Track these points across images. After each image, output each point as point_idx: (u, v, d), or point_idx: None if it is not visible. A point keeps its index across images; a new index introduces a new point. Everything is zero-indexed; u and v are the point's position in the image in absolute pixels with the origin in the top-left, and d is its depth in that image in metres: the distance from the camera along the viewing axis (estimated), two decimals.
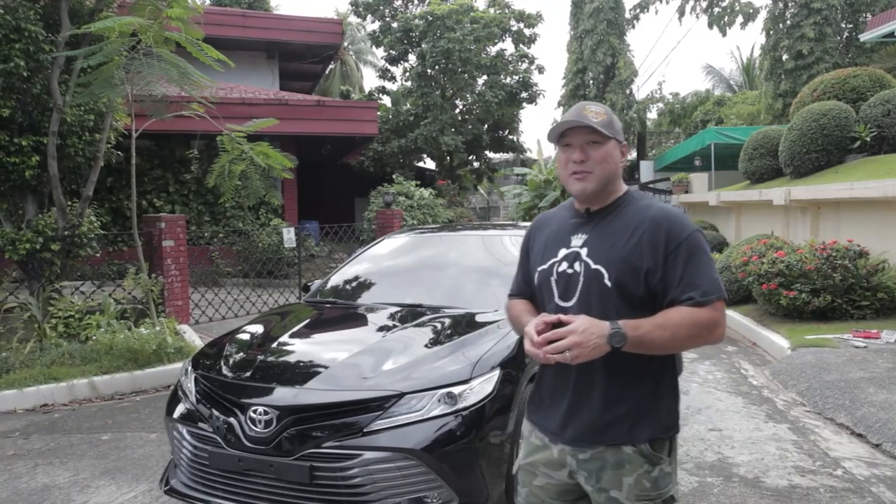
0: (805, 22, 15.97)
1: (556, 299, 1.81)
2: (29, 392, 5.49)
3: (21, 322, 6.60)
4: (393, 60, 19.63)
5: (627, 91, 20.59)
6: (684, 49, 63.10)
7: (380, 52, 20.75)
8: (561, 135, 1.81)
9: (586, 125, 1.75)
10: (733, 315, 8.38)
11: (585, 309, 1.72)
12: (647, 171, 19.94)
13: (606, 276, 1.73)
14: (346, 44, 27.21)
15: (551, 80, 64.71)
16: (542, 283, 1.86)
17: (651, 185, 17.36)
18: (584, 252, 1.78)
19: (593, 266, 1.75)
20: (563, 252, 1.83)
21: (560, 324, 1.64)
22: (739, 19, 18.23)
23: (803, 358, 5.94)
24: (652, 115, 25.36)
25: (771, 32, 17.00)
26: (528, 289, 1.99)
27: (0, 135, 6.68)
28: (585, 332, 1.60)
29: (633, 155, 23.39)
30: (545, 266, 1.86)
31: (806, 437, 4.40)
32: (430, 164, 21.92)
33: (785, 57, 16.61)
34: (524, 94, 19.52)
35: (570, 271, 1.79)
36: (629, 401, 1.75)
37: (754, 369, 6.29)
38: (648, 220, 1.75)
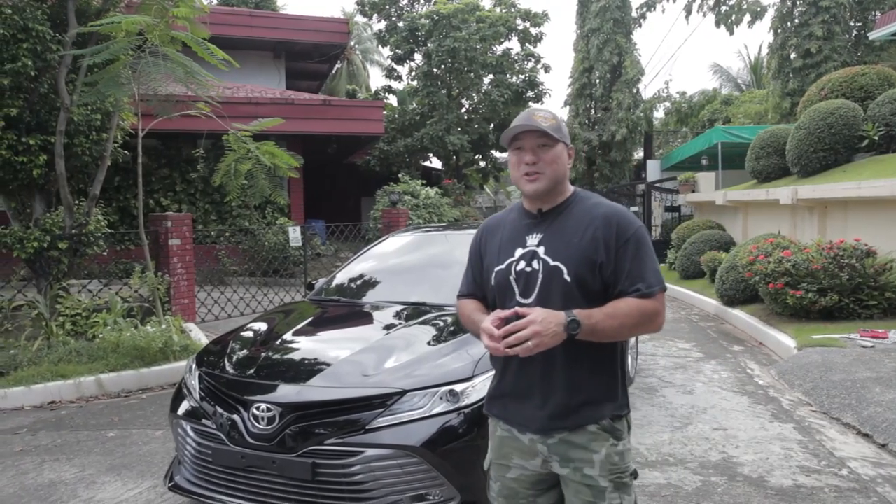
0: (813, 20, 15.86)
1: (518, 296, 1.90)
2: (36, 389, 5.52)
3: (29, 320, 6.65)
4: (399, 60, 19.63)
5: (634, 90, 20.50)
6: (692, 48, 62.85)
7: (386, 51, 20.79)
8: (513, 139, 1.92)
9: (537, 129, 1.87)
10: (739, 314, 8.35)
11: (545, 304, 1.81)
12: (653, 170, 19.86)
13: (566, 271, 1.84)
14: (352, 43, 27.23)
15: (557, 79, 64.82)
16: (500, 283, 1.95)
17: (657, 185, 17.29)
18: (541, 250, 1.89)
19: (552, 263, 1.86)
20: (519, 251, 1.93)
21: (516, 317, 1.74)
22: (747, 18, 18.11)
23: (810, 357, 5.91)
24: (659, 114, 25.27)
25: (779, 31, 16.89)
26: (479, 290, 2.09)
27: (8, 134, 6.73)
28: (544, 321, 1.70)
29: (639, 154, 23.34)
30: (502, 266, 1.94)
31: (811, 437, 4.38)
32: (436, 163, 21.93)
33: (793, 55, 16.50)
34: (530, 94, 19.49)
35: (528, 269, 1.89)
36: (591, 385, 1.87)
37: (760, 369, 6.26)
38: (600, 217, 1.88)
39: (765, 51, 21.59)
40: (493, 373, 2.93)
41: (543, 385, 1.88)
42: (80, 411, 5.35)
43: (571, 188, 2.00)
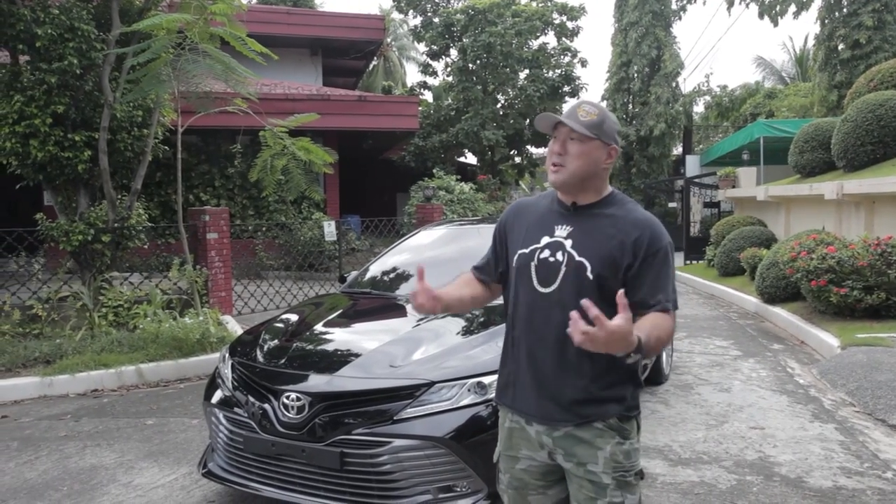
0: (863, 10, 15.32)
1: (535, 284, 1.89)
2: (80, 377, 5.70)
3: (74, 311, 6.86)
4: (434, 55, 19.65)
5: (673, 84, 20.17)
6: (733, 40, 61.31)
7: (422, 47, 20.82)
8: (555, 126, 1.91)
9: (566, 125, 1.84)
10: (780, 312, 8.14)
11: (563, 296, 1.82)
12: (693, 165, 19.48)
13: (589, 268, 1.83)
14: (388, 40, 27.37)
15: (595, 73, 63.98)
16: (521, 266, 1.93)
17: (696, 180, 16.93)
18: (568, 244, 1.88)
19: (577, 258, 1.85)
20: (545, 240, 1.91)
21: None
22: (792, 8, 17.60)
23: (854, 357, 5.72)
24: (698, 108, 24.78)
25: (826, 21, 16.37)
26: (490, 270, 2.10)
27: (55, 130, 6.94)
28: (616, 336, 1.56)
29: (678, 149, 22.93)
30: (526, 250, 1.93)
31: (854, 438, 4.24)
32: (471, 159, 21.91)
33: (841, 46, 15.97)
34: (567, 88, 19.31)
35: (551, 259, 1.88)
36: (602, 380, 1.84)
37: (801, 368, 6.09)
38: (634, 223, 1.86)
39: (811, 42, 20.95)
40: None
41: (553, 375, 1.86)
42: (120, 399, 5.50)
43: (609, 189, 1.96)
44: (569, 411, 1.84)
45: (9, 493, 3.67)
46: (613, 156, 1.91)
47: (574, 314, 1.61)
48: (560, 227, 1.91)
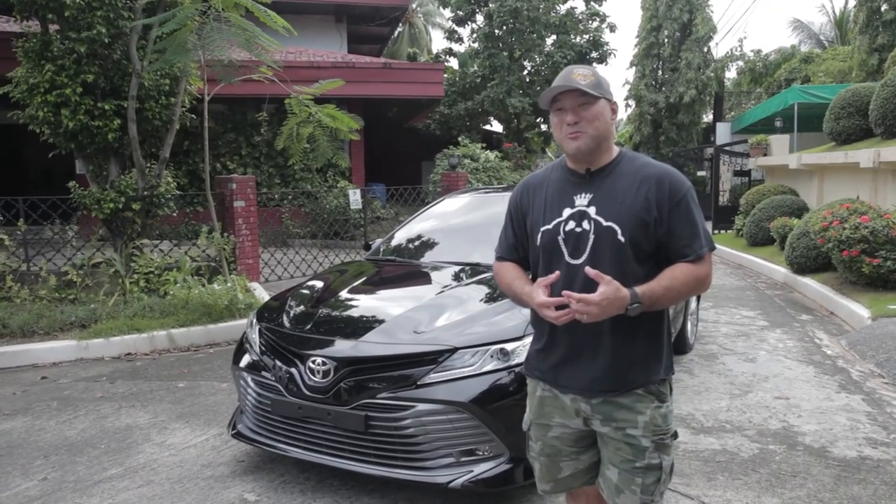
0: None
1: (567, 257, 1.88)
2: (114, 341, 5.88)
3: (107, 277, 7.03)
4: (460, 21, 19.36)
5: (704, 49, 19.63)
6: (769, 2, 59.23)
7: (447, 13, 20.52)
8: (553, 100, 1.88)
9: (574, 88, 1.82)
10: (809, 283, 8.01)
11: (597, 264, 1.80)
12: (723, 133, 19.03)
13: (620, 232, 1.83)
14: (414, 5, 27.00)
15: (624, 39, 62.47)
16: (547, 243, 1.92)
17: (727, 148, 16.57)
18: (592, 210, 1.87)
19: (605, 223, 1.84)
20: (567, 211, 1.90)
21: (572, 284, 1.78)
22: None
23: (885, 328, 5.63)
24: (731, 74, 24.11)
25: None
26: (517, 250, 2.07)
27: (85, 99, 7.03)
28: (608, 306, 1.71)
29: (708, 116, 22.43)
30: (549, 226, 1.92)
31: (881, 409, 4.20)
32: (496, 127, 21.70)
33: (884, 7, 15.32)
34: (594, 54, 18.92)
35: (578, 230, 1.87)
36: (639, 347, 1.87)
37: (829, 339, 6.01)
38: (651, 178, 1.87)
39: (851, 3, 20.15)
40: None
41: (592, 348, 1.87)
42: (153, 363, 5.67)
43: (617, 149, 1.95)
44: (610, 380, 1.86)
45: (51, 450, 3.83)
46: (616, 112, 1.94)
47: (566, 293, 1.72)
48: (579, 195, 1.90)
